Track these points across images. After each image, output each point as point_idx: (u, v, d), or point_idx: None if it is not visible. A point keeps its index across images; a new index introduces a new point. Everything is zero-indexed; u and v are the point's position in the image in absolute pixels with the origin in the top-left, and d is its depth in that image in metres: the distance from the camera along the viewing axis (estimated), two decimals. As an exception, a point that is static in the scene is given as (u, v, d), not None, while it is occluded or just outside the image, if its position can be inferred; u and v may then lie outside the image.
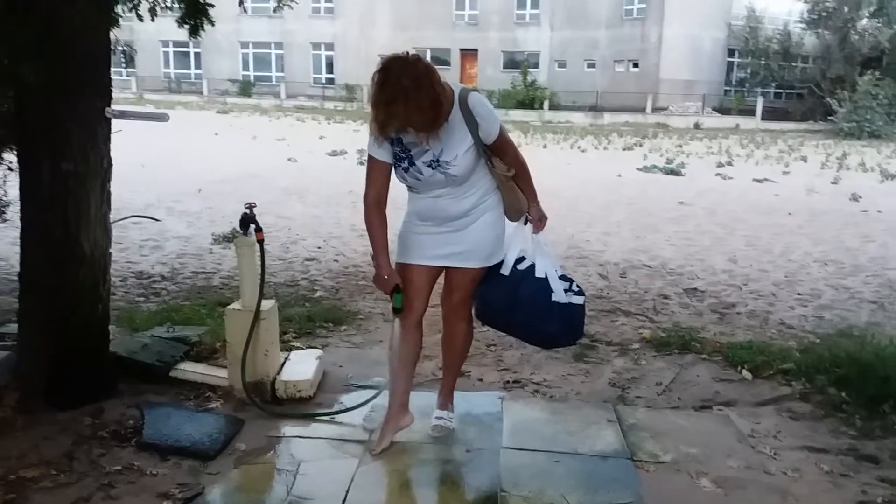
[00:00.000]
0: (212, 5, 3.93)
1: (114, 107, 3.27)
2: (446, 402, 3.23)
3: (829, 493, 2.79)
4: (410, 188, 2.87)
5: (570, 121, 32.22)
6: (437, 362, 3.61)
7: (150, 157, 13.74)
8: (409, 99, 2.44)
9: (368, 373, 3.78)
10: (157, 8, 4.33)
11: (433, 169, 2.71)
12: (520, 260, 2.95)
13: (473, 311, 3.11)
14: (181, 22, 3.89)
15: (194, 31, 3.88)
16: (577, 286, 2.97)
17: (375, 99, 2.51)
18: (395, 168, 2.79)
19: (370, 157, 2.80)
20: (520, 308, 2.89)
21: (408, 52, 2.54)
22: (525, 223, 2.96)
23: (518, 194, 2.91)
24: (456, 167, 2.69)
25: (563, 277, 2.93)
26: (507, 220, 2.97)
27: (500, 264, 2.94)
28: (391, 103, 2.47)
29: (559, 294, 2.86)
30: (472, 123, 2.67)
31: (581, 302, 2.94)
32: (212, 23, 3.92)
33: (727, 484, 2.82)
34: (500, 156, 2.79)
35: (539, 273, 2.89)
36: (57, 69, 2.97)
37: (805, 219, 10.15)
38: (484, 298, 2.99)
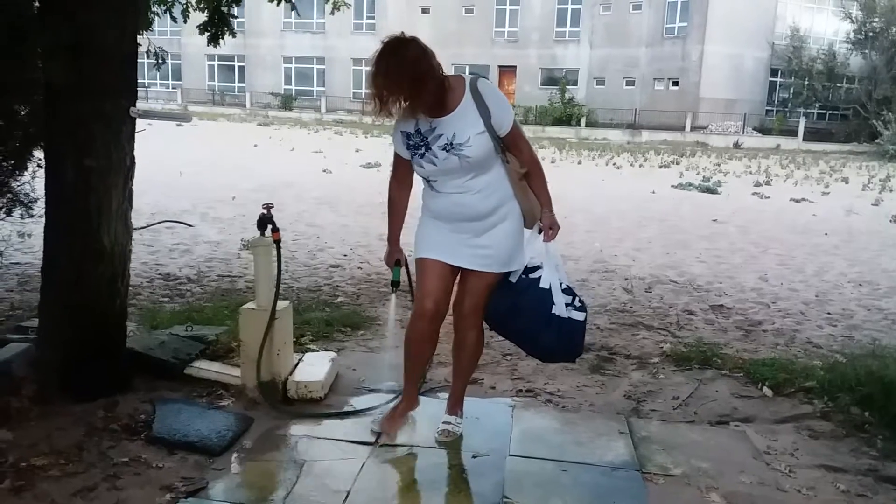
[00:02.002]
0: (234, 16, 3.99)
1: (138, 106, 3.34)
2: (455, 407, 3.21)
3: (844, 513, 2.70)
4: (430, 181, 2.86)
5: (608, 138, 32.03)
6: (451, 368, 3.58)
7: (188, 166, 14.04)
8: (389, 71, 2.55)
9: (382, 377, 3.78)
10: (190, 10, 4.42)
11: (447, 152, 2.73)
12: (531, 270, 2.92)
13: None
14: (202, 29, 3.95)
15: (214, 40, 3.93)
16: (581, 301, 2.92)
17: (370, 72, 2.62)
18: (413, 158, 2.83)
19: (395, 151, 2.92)
20: (519, 315, 2.88)
21: (403, 32, 2.65)
22: (539, 232, 2.91)
23: (532, 198, 2.89)
24: (470, 148, 2.70)
25: (567, 291, 2.88)
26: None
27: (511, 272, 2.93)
28: (377, 75, 2.58)
29: (560, 307, 2.83)
30: (483, 110, 2.71)
31: (582, 318, 2.90)
32: (233, 33, 3.98)
33: (737, 499, 2.74)
34: (514, 153, 2.81)
35: (544, 283, 2.85)
36: (83, 69, 3.05)
37: (842, 239, 9.91)
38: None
